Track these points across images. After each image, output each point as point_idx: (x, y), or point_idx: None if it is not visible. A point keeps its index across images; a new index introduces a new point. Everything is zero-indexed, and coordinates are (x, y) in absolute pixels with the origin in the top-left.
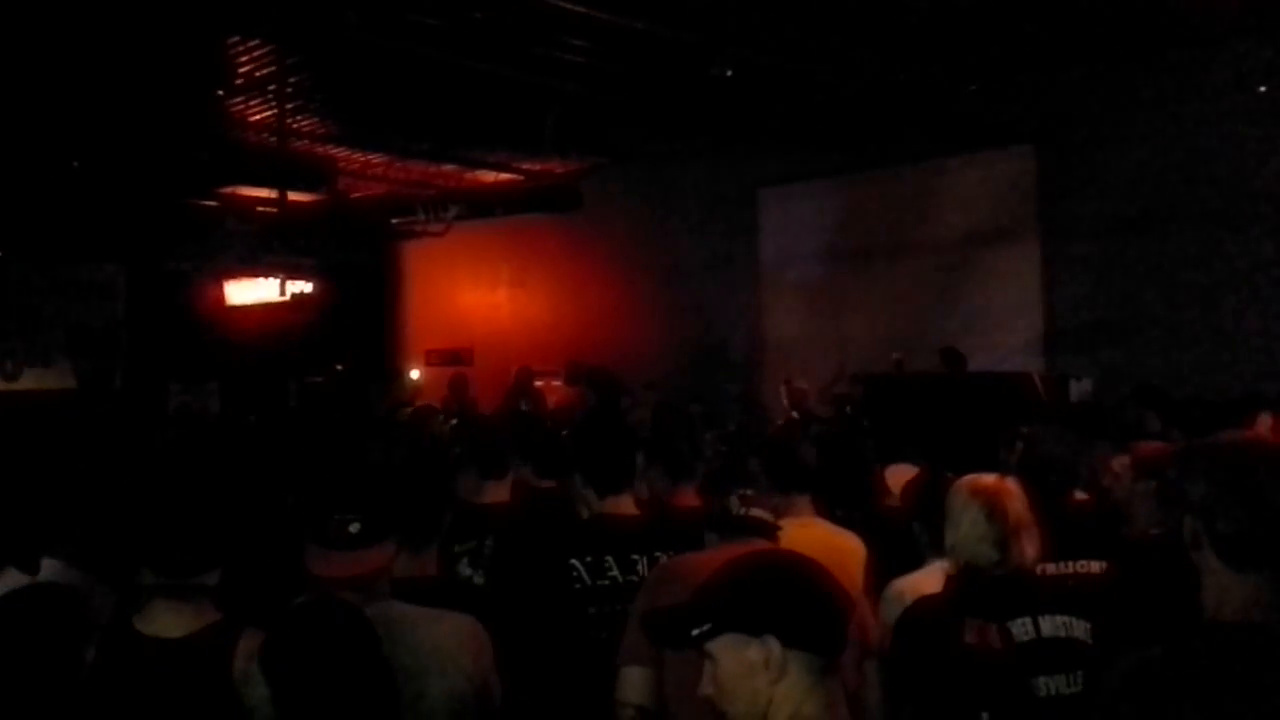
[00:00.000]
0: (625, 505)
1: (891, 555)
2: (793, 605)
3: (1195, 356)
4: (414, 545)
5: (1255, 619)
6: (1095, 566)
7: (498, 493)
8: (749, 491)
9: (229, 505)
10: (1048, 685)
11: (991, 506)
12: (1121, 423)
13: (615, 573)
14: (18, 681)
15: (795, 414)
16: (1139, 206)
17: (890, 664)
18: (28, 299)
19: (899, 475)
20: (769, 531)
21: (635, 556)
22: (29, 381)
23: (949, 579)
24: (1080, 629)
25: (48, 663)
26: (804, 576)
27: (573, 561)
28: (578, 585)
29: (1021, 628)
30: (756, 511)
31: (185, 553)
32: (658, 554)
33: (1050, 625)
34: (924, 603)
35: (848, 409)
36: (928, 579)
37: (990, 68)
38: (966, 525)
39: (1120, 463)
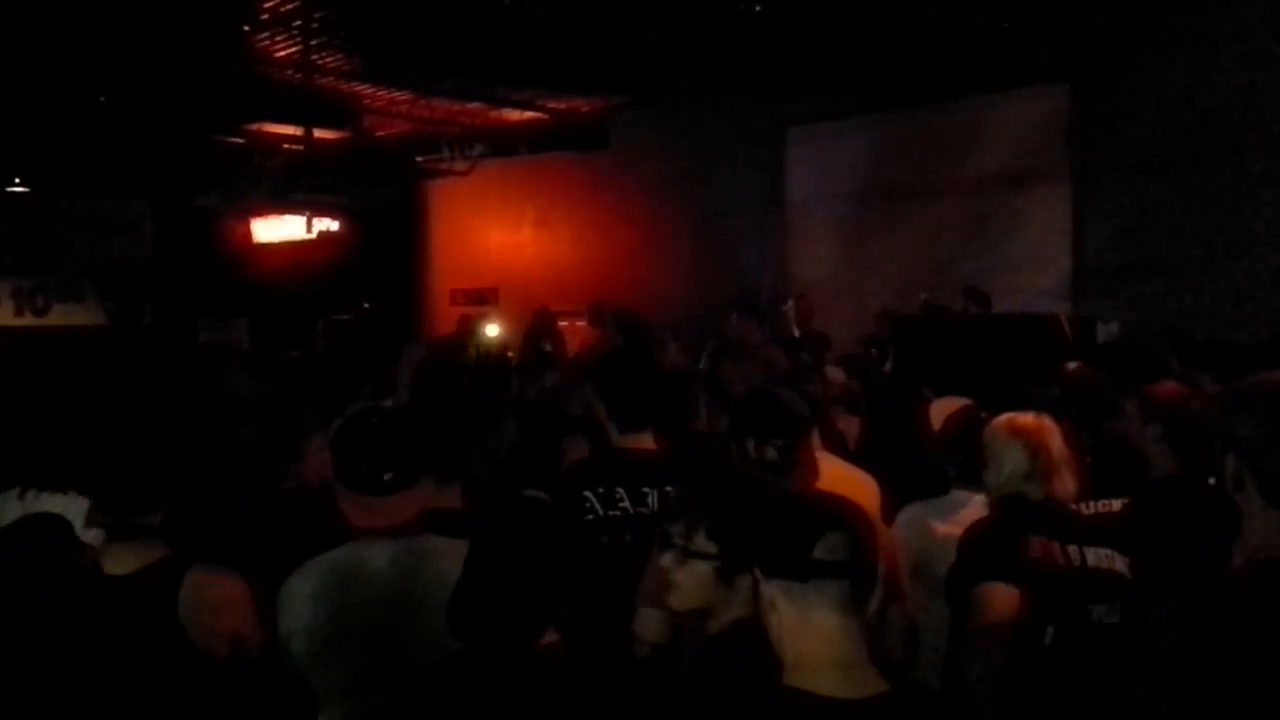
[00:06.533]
0: (644, 440)
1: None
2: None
3: (1226, 300)
4: (439, 481)
5: None
6: (1116, 504)
7: None
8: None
9: (174, 443)
10: (1093, 611)
11: (1034, 445)
12: (1144, 365)
13: (626, 504)
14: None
15: (798, 332)
16: (1173, 147)
17: (949, 586)
18: (56, 235)
19: (944, 408)
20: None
21: (646, 489)
22: (58, 317)
23: (992, 506)
24: (1120, 563)
25: (27, 593)
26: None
27: (585, 493)
28: (590, 516)
29: (1074, 553)
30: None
31: (130, 491)
32: (669, 487)
33: (1094, 556)
34: (980, 525)
35: (873, 350)
36: (970, 510)
37: (1025, 3)
38: (1009, 463)
39: (1131, 405)
